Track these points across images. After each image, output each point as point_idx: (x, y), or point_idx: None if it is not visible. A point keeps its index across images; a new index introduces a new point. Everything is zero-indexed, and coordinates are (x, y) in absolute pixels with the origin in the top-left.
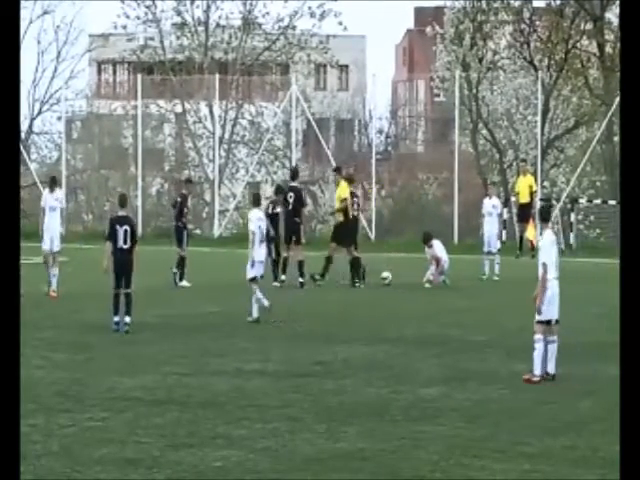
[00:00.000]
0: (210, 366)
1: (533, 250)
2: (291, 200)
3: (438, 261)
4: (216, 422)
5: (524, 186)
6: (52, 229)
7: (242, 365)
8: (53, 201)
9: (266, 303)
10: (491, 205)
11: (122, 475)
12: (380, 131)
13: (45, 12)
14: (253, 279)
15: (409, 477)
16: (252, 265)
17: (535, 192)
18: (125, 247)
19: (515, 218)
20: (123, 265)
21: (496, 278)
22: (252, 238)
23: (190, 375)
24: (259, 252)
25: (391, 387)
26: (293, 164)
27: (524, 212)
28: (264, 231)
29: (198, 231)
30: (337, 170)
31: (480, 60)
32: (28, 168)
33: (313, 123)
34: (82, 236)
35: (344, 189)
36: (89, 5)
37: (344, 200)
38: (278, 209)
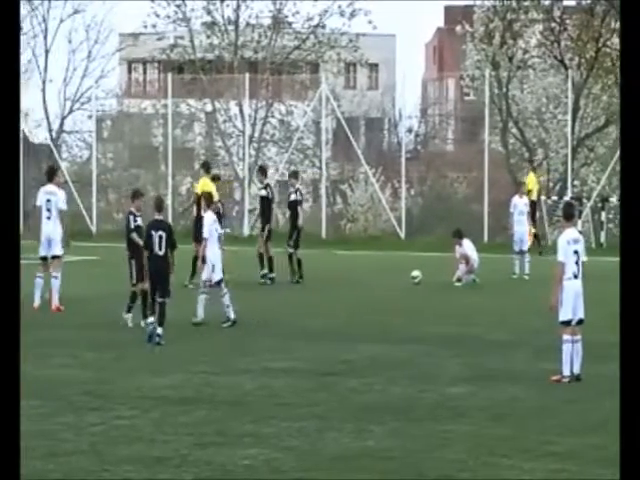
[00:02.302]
0: (236, 365)
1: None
2: (271, 197)
3: (467, 260)
4: (243, 421)
5: (532, 184)
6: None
7: (268, 363)
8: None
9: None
10: (523, 204)
11: (150, 474)
12: (410, 130)
13: (76, 11)
14: (219, 282)
15: (436, 476)
16: (213, 269)
17: (531, 191)
18: (160, 253)
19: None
20: (158, 273)
21: (526, 277)
22: (205, 243)
23: (217, 374)
24: (216, 255)
25: (417, 386)
26: (323, 163)
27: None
28: (219, 233)
29: (228, 230)
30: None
31: (510, 59)
32: (59, 167)
33: (343, 122)
34: (112, 235)
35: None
36: (120, 4)
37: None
38: (293, 197)
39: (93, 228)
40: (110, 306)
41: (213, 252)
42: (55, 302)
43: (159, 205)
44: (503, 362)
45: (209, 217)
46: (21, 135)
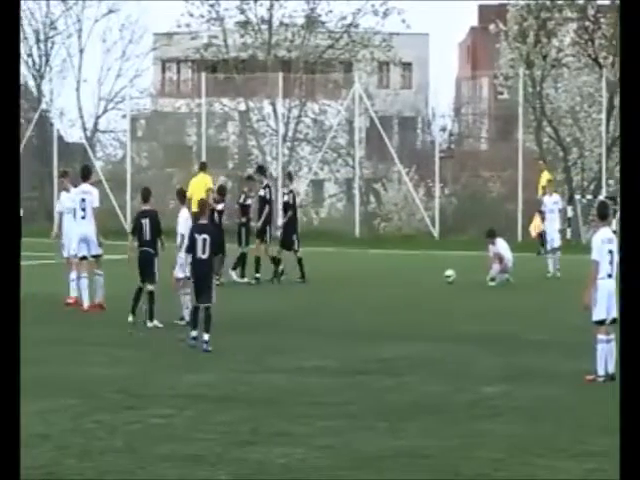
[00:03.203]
0: (270, 363)
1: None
2: (268, 198)
3: (501, 259)
4: (278, 419)
5: (545, 181)
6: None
7: (301, 362)
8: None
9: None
10: (552, 202)
11: (186, 472)
12: (443, 129)
13: (110, 11)
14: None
15: (472, 476)
16: (181, 267)
17: (544, 187)
18: (204, 257)
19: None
20: (203, 278)
21: (558, 275)
22: (180, 241)
23: (251, 372)
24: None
25: (452, 385)
26: (357, 162)
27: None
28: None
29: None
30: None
31: (544, 57)
32: (93, 166)
33: (376, 121)
34: None
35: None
36: (154, 4)
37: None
38: (249, 201)
39: (127, 226)
40: (143, 305)
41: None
42: (99, 299)
43: (203, 208)
44: (538, 361)
45: (184, 215)
46: (55, 134)
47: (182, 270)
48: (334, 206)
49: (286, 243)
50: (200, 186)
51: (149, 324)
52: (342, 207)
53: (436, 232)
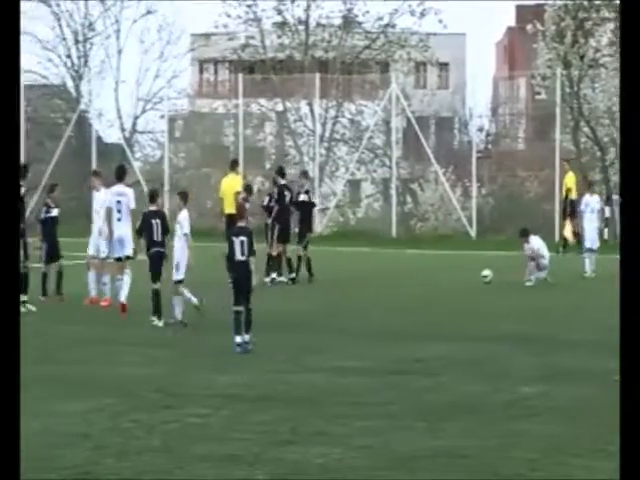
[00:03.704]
0: (307, 363)
1: (565, 247)
2: (287, 199)
3: (536, 257)
4: (316, 419)
5: (571, 182)
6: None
7: (338, 362)
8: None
9: (195, 301)
10: (594, 202)
11: (223, 472)
12: (480, 129)
13: (148, 12)
14: (180, 281)
15: (510, 476)
16: (177, 268)
17: (570, 189)
18: (242, 259)
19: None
20: (242, 280)
21: (593, 275)
22: (190, 241)
23: (287, 372)
24: (183, 254)
25: (489, 385)
26: (394, 162)
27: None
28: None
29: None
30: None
31: (582, 58)
32: (131, 166)
33: (413, 121)
34: None
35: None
36: (191, 5)
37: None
38: (302, 197)
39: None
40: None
41: (181, 250)
42: (122, 300)
43: (242, 213)
44: (575, 361)
45: (184, 214)
46: (94, 135)
47: (180, 271)
48: (371, 206)
49: (299, 240)
50: (231, 187)
51: (155, 322)
52: (379, 207)
53: (473, 232)
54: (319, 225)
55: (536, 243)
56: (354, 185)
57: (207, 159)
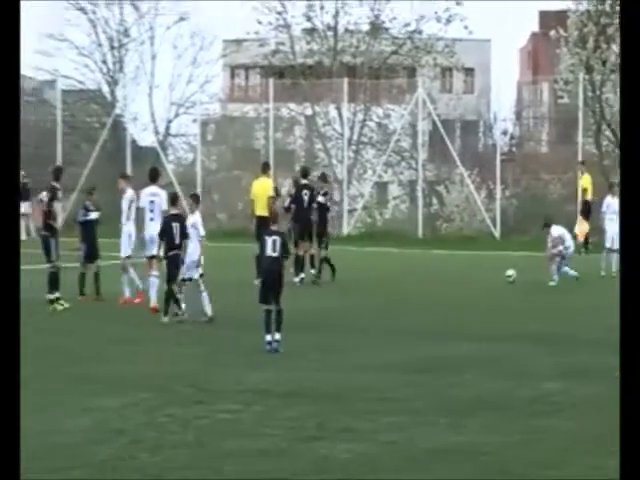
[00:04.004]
0: (334, 361)
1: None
2: (306, 198)
3: (556, 245)
4: (343, 415)
5: (587, 184)
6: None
7: (365, 360)
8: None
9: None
10: (615, 204)
11: (253, 466)
12: (504, 132)
13: (182, 18)
14: (189, 280)
15: (532, 471)
16: (189, 267)
17: (586, 190)
18: (274, 255)
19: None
20: (272, 277)
21: (614, 274)
22: (203, 242)
23: (315, 369)
24: (196, 253)
25: (512, 382)
26: (420, 165)
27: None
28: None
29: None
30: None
31: (604, 63)
32: (165, 169)
33: (439, 125)
34: (216, 234)
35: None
36: (224, 12)
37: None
38: (321, 199)
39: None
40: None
41: (195, 250)
42: (152, 305)
43: (275, 219)
44: (597, 359)
45: (198, 217)
46: (129, 138)
47: (191, 270)
48: (398, 207)
49: (319, 241)
50: (262, 189)
51: (164, 319)
52: (405, 208)
53: (497, 233)
54: (347, 226)
55: (556, 231)
56: (381, 187)
57: (238, 162)
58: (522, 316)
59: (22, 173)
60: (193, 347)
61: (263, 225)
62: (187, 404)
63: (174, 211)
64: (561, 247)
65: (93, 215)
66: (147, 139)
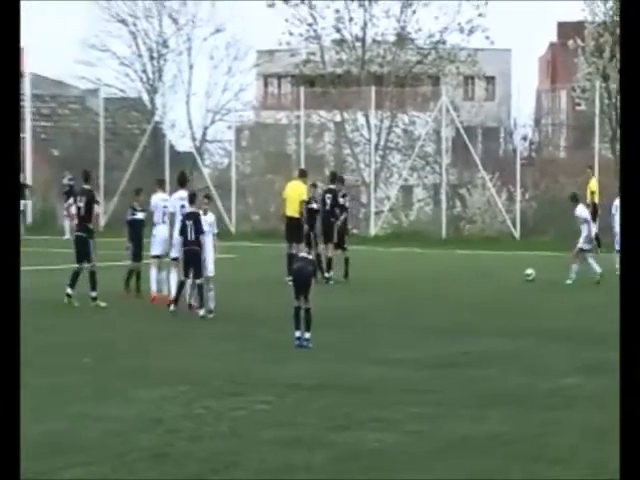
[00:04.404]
0: (360, 355)
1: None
2: (329, 201)
3: (581, 224)
4: (371, 406)
5: (594, 187)
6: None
7: (391, 354)
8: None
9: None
10: None
11: (286, 455)
12: (524, 138)
13: (218, 30)
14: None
15: (550, 459)
16: (206, 265)
17: (593, 193)
18: (309, 257)
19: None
20: (303, 275)
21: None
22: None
23: (344, 363)
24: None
25: (530, 376)
26: (444, 169)
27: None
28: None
29: (355, 230)
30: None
31: (619, 71)
32: (201, 173)
33: (462, 131)
34: (250, 235)
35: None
36: (257, 24)
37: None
38: (314, 205)
39: (232, 229)
40: (246, 300)
41: (210, 249)
42: (171, 296)
43: (192, 199)
44: (612, 354)
45: (212, 217)
46: (167, 144)
47: (208, 269)
48: (422, 210)
49: (340, 243)
50: (295, 191)
51: (201, 312)
52: (430, 211)
53: (517, 233)
54: (374, 227)
55: (580, 211)
56: (407, 190)
57: (271, 166)
58: (541, 313)
59: (68, 176)
60: (228, 343)
61: (292, 226)
62: (222, 396)
63: (192, 209)
64: (585, 232)
65: (140, 215)
66: (185, 145)
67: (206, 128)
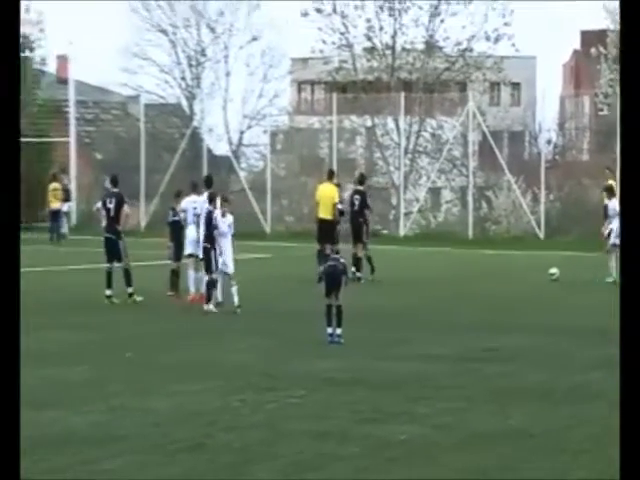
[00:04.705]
0: (390, 351)
1: None
2: (357, 202)
3: (612, 218)
4: (399, 401)
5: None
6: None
7: (420, 351)
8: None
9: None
10: None
11: (317, 446)
12: (549, 141)
13: (253, 39)
14: (227, 274)
15: (574, 451)
16: (226, 263)
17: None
18: (337, 256)
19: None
20: (334, 276)
21: None
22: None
23: (374, 359)
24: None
25: (553, 372)
26: (470, 172)
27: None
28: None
29: (385, 231)
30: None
31: (620, 71)
32: (238, 175)
33: (488, 135)
34: (284, 235)
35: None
36: (292, 32)
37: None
38: (339, 206)
39: (267, 229)
40: (279, 298)
41: (226, 247)
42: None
43: (211, 198)
44: None
45: (230, 219)
46: (205, 148)
47: (228, 266)
48: (450, 211)
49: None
50: (327, 194)
51: (206, 307)
52: (457, 212)
53: (542, 234)
54: (403, 228)
55: (613, 205)
56: (435, 192)
57: (304, 169)
58: (564, 311)
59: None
60: (262, 339)
61: (325, 228)
62: (257, 390)
63: (209, 208)
64: (612, 227)
65: (181, 216)
66: (222, 148)
67: (242, 132)
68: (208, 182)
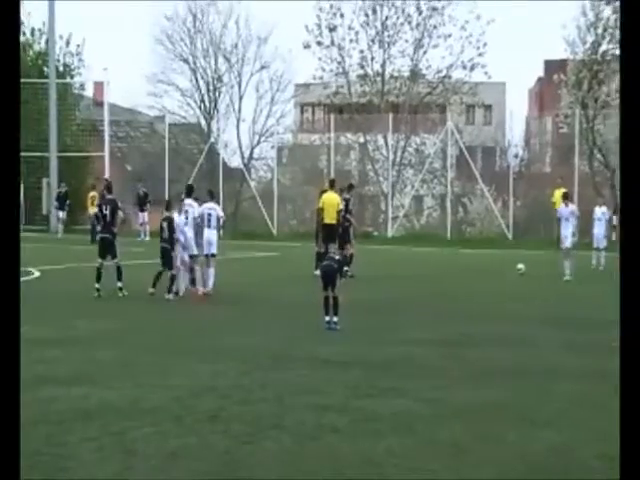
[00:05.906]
0: (382, 337)
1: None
2: (343, 208)
3: (570, 217)
4: (390, 379)
5: (558, 197)
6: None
7: (406, 336)
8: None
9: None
10: (600, 212)
11: (318, 417)
12: (516, 156)
13: (262, 67)
14: (207, 255)
15: (544, 421)
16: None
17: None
18: (336, 256)
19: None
20: (330, 272)
21: (601, 269)
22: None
23: (368, 344)
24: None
25: (525, 354)
26: (449, 181)
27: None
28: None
29: (376, 233)
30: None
31: (596, 100)
32: (249, 185)
33: (464, 150)
34: (289, 237)
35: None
36: (296, 62)
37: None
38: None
39: (274, 231)
40: (284, 290)
41: (209, 233)
42: (208, 289)
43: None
44: (596, 336)
45: (218, 209)
46: (221, 161)
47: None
48: (431, 215)
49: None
50: (332, 203)
51: (167, 296)
52: (437, 216)
53: (510, 235)
54: (390, 230)
55: (573, 207)
56: (418, 199)
57: (307, 180)
58: (530, 301)
59: (143, 189)
60: (271, 325)
61: (329, 230)
62: (266, 370)
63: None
64: (571, 227)
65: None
66: (235, 161)
67: (253, 148)
68: (189, 190)
